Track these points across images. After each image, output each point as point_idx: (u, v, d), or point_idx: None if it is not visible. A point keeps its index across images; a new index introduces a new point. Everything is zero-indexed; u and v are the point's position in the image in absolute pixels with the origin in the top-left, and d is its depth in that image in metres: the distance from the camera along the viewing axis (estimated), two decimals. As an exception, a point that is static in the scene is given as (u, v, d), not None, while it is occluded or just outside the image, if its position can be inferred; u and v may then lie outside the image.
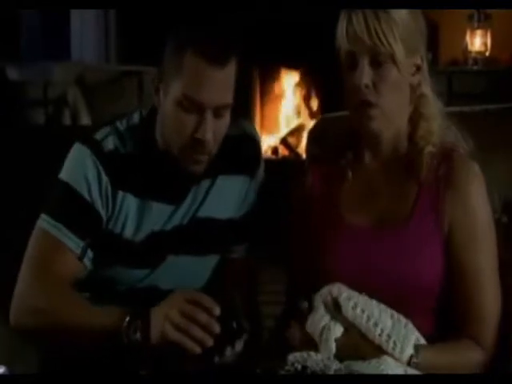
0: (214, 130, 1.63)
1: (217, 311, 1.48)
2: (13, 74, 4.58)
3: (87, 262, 1.68)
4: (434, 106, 1.65)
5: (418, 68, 1.62)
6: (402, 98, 1.62)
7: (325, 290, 1.57)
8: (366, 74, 1.57)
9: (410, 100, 1.64)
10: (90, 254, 1.68)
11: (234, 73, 1.64)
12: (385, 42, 1.55)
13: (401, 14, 1.57)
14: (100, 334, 1.54)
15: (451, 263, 1.59)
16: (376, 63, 1.57)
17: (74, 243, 1.66)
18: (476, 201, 1.60)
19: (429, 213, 1.60)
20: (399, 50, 1.56)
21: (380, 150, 1.66)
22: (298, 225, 1.73)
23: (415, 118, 1.64)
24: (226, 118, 1.66)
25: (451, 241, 1.59)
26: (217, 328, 1.48)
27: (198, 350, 1.48)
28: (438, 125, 1.64)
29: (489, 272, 1.60)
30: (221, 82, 1.62)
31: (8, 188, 1.97)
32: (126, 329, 1.52)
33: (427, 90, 1.65)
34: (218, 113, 1.63)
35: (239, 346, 1.53)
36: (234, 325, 1.52)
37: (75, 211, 1.67)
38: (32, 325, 1.61)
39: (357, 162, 1.68)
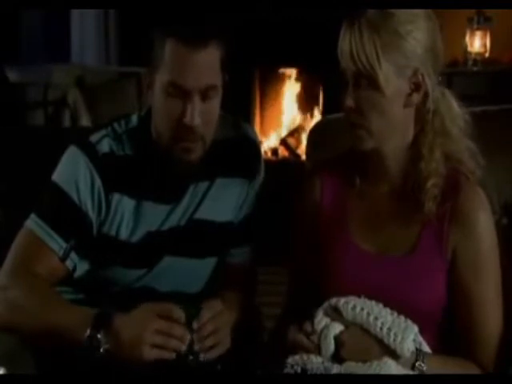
0: (203, 115, 1.62)
1: (182, 319, 1.51)
2: (13, 75, 4.58)
3: (70, 263, 1.68)
4: (443, 125, 1.60)
5: (418, 86, 1.57)
6: (394, 119, 1.57)
7: (325, 304, 1.58)
8: (349, 96, 1.56)
9: (416, 120, 1.60)
10: (73, 256, 1.67)
11: (219, 55, 1.63)
12: (367, 65, 1.52)
13: (395, 35, 1.53)
14: (65, 336, 1.54)
15: (455, 289, 1.59)
16: (360, 85, 1.55)
17: (56, 244, 1.66)
18: (482, 228, 1.59)
19: (434, 242, 1.59)
20: (383, 74, 1.52)
21: (384, 172, 1.64)
22: (303, 236, 1.73)
23: (421, 139, 1.60)
24: (215, 101, 1.65)
25: (455, 267, 1.59)
26: (188, 336, 1.51)
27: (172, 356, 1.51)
28: (444, 143, 1.60)
29: (492, 298, 1.59)
30: (203, 65, 1.60)
31: (8, 189, 1.97)
32: (87, 340, 1.50)
33: (439, 108, 1.60)
34: (205, 95, 1.62)
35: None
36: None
37: (62, 213, 1.67)
38: (6, 317, 1.60)
39: (365, 183, 1.67)
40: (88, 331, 1.51)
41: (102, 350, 1.50)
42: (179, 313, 1.51)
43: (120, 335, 1.50)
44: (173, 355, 1.50)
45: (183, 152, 1.65)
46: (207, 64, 1.61)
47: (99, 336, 1.50)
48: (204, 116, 1.62)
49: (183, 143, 1.64)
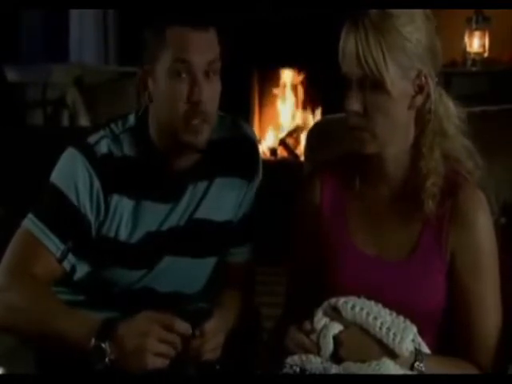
0: (208, 93, 1.64)
1: (189, 331, 1.53)
2: (12, 75, 4.58)
3: (67, 265, 1.67)
4: (441, 125, 1.60)
5: (421, 88, 1.57)
6: (398, 121, 1.57)
7: (324, 304, 1.58)
8: (355, 101, 1.55)
9: (416, 121, 1.60)
10: (70, 257, 1.67)
11: (216, 36, 1.67)
12: (374, 68, 1.52)
13: (398, 36, 1.52)
14: (69, 344, 1.54)
15: (454, 290, 1.59)
16: (366, 88, 1.54)
17: (54, 245, 1.66)
18: (480, 229, 1.59)
19: (433, 244, 1.59)
20: (390, 77, 1.52)
21: (384, 174, 1.63)
22: (303, 236, 1.73)
23: (421, 140, 1.60)
24: (217, 80, 1.67)
25: (455, 268, 1.59)
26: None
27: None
28: (441, 142, 1.60)
29: (491, 298, 1.59)
30: (206, 41, 1.65)
31: (7, 189, 1.97)
32: (92, 350, 1.51)
33: (437, 108, 1.60)
34: (208, 73, 1.64)
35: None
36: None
37: (60, 214, 1.67)
38: (3, 318, 1.61)
39: (364, 185, 1.67)
40: (93, 341, 1.51)
41: (107, 361, 1.50)
42: (181, 325, 1.52)
43: (124, 345, 1.50)
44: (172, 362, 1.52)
45: (191, 134, 1.65)
46: (210, 41, 1.66)
47: (104, 346, 1.50)
48: (209, 94, 1.64)
49: (191, 123, 1.64)
